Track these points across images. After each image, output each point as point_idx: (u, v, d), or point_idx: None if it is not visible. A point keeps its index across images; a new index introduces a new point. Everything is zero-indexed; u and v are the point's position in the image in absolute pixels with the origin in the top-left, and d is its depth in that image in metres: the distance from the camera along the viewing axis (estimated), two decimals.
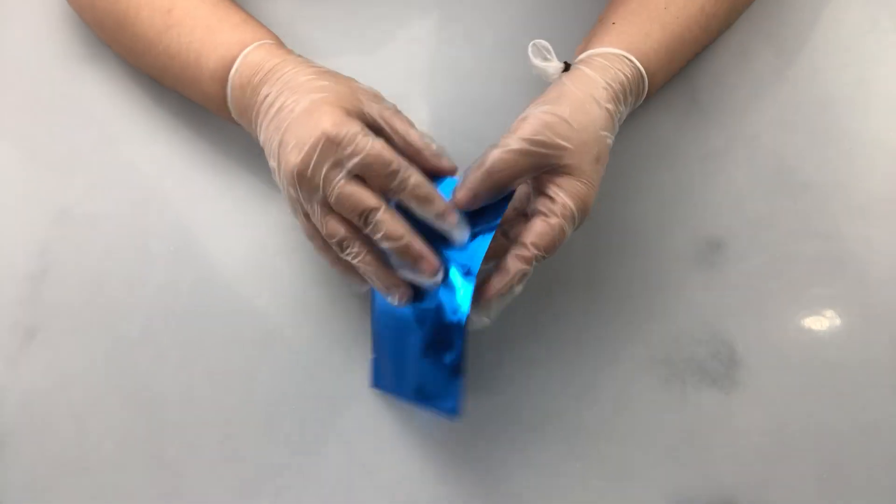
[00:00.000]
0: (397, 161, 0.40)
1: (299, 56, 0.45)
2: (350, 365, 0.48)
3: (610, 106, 0.42)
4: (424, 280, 0.41)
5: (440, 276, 0.41)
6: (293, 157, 0.40)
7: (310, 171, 0.40)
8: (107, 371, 0.49)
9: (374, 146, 0.39)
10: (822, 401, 0.45)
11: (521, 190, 0.44)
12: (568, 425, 0.46)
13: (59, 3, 0.55)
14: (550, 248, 0.41)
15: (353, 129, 0.39)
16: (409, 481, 0.46)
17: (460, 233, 0.42)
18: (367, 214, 0.40)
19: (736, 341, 0.47)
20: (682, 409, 0.46)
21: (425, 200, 0.40)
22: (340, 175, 0.40)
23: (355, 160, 0.39)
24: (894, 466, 0.44)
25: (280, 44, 0.46)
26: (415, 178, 0.40)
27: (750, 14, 0.52)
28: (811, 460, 0.45)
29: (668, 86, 0.50)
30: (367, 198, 0.40)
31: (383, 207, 0.40)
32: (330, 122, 0.39)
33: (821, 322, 0.47)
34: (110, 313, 0.50)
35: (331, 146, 0.39)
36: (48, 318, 0.50)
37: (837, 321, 0.47)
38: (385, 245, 0.41)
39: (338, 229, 0.41)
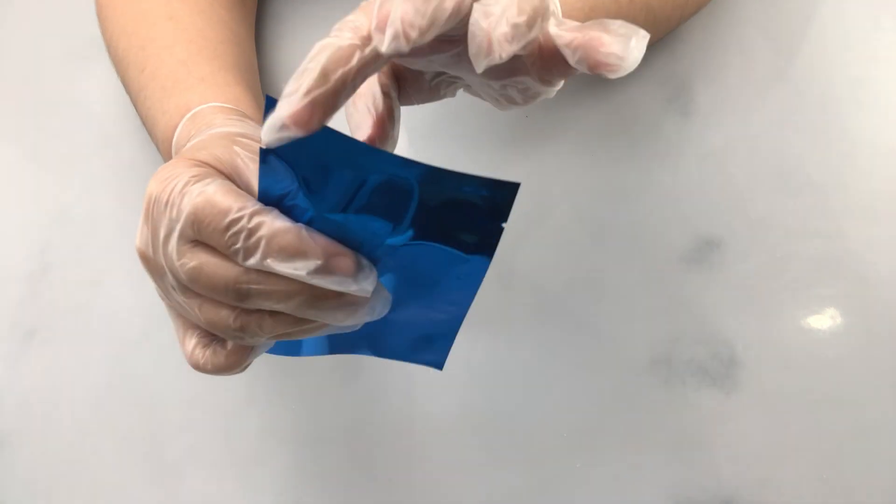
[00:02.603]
0: (238, 206, 0.27)
1: (235, 118, 0.37)
2: (350, 364, 0.48)
3: None
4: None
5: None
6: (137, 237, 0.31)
7: (150, 249, 0.30)
8: (107, 371, 0.49)
9: (203, 192, 0.27)
10: (822, 401, 0.45)
11: None
12: (567, 425, 0.46)
13: (58, 3, 0.55)
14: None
15: (182, 176, 0.28)
16: (406, 476, 0.46)
17: (367, 283, 0.28)
18: (234, 288, 0.28)
19: (736, 341, 0.47)
20: (682, 409, 0.46)
21: (293, 253, 0.27)
22: (171, 244, 0.29)
23: (182, 219, 0.28)
24: (894, 466, 0.44)
25: (232, 102, 0.40)
26: (270, 225, 0.27)
27: (750, 13, 0.52)
28: (811, 460, 0.45)
29: (667, 85, 0.50)
30: (222, 269, 0.28)
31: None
32: (156, 178, 0.29)
33: (821, 322, 0.47)
34: (110, 313, 0.50)
35: (158, 208, 0.29)
36: (48, 318, 0.50)
37: (838, 321, 0.47)
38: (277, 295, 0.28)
39: (218, 315, 0.29)
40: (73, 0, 0.56)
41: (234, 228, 0.27)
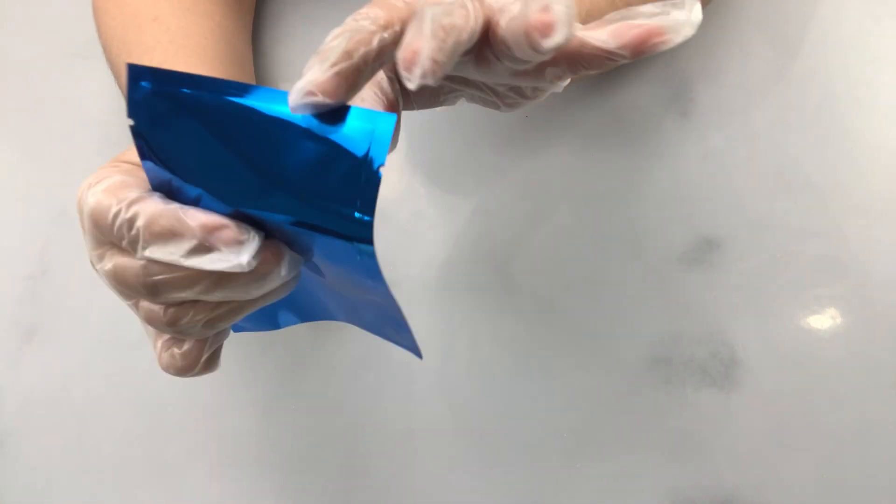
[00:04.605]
0: (119, 199, 0.27)
1: None
2: (349, 364, 0.48)
3: None
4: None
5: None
6: None
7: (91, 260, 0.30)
8: (107, 371, 0.49)
9: (95, 191, 0.27)
10: (822, 401, 0.45)
11: None
12: (567, 425, 0.46)
13: (58, 3, 0.55)
14: None
15: (88, 180, 0.28)
16: (406, 475, 0.46)
17: (246, 254, 0.27)
18: (146, 286, 0.27)
19: (736, 341, 0.47)
20: (682, 409, 0.46)
21: (168, 237, 0.26)
22: (93, 251, 0.29)
23: (86, 222, 0.28)
24: (894, 466, 0.44)
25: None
26: (145, 212, 0.26)
27: (750, 13, 0.52)
28: (811, 460, 0.45)
29: (667, 85, 0.50)
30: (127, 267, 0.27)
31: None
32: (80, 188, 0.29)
33: (821, 322, 0.47)
34: (110, 313, 0.50)
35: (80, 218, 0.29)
36: (48, 318, 0.50)
37: (838, 321, 0.47)
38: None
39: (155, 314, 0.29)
40: (73, 0, 0.56)
41: (118, 222, 0.26)
